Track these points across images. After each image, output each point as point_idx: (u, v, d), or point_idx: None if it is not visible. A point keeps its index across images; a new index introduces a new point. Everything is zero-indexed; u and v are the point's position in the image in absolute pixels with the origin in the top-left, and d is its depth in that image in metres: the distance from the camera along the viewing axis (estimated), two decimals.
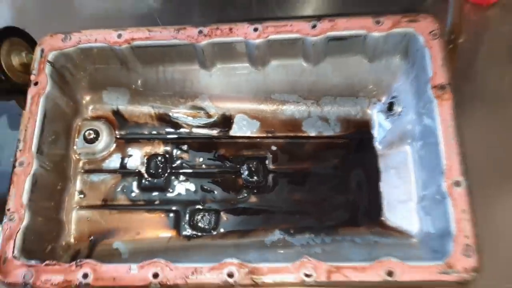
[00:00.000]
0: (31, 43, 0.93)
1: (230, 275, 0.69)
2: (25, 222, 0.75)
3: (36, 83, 0.84)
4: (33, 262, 0.73)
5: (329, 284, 0.69)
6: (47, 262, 0.73)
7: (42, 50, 0.85)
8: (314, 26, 0.81)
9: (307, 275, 0.69)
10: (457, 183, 0.71)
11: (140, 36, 0.85)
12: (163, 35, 0.84)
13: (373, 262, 0.69)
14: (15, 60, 0.90)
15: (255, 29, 0.83)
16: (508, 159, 0.92)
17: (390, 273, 0.68)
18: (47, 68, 0.84)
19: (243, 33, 0.83)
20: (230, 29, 0.83)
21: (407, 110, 0.86)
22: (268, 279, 0.69)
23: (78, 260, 0.73)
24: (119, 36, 0.85)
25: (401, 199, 0.84)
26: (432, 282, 0.67)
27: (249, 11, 1.05)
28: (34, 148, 0.80)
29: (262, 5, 1.06)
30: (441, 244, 0.72)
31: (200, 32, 0.83)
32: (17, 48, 0.91)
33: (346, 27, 0.82)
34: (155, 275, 0.70)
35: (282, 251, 0.84)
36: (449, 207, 0.71)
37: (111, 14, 1.09)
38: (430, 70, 0.78)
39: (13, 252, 0.73)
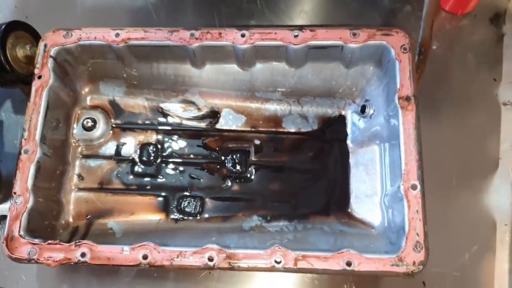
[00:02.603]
0: (34, 36, 0.96)
1: (210, 259, 0.76)
2: (29, 204, 0.81)
3: (39, 77, 0.86)
4: (37, 240, 0.78)
5: (296, 270, 0.75)
6: (49, 241, 0.78)
7: (45, 46, 0.88)
8: (296, 36, 0.85)
9: (277, 262, 0.75)
10: (413, 187, 0.77)
11: (136, 36, 0.88)
12: (158, 36, 0.88)
13: (334, 252, 0.74)
14: (20, 53, 0.92)
15: (243, 35, 0.86)
16: (473, 157, 0.98)
17: (349, 263, 0.74)
18: (50, 63, 0.87)
19: (232, 38, 0.86)
20: (220, 34, 0.87)
21: (378, 113, 0.90)
22: (243, 263, 0.76)
23: (77, 241, 0.78)
24: (117, 35, 0.88)
25: (368, 194, 0.90)
26: (385, 272, 0.74)
27: (240, 9, 1.07)
28: (38, 137, 0.84)
29: (251, 2, 1.09)
30: (397, 238, 0.78)
31: (192, 35, 0.87)
32: (21, 41, 0.93)
33: (325, 37, 0.85)
34: (145, 257, 0.76)
35: (258, 236, 0.89)
36: (405, 207, 0.76)
37: (110, 6, 1.11)
38: (398, 81, 0.81)
39: (19, 231, 0.79)
